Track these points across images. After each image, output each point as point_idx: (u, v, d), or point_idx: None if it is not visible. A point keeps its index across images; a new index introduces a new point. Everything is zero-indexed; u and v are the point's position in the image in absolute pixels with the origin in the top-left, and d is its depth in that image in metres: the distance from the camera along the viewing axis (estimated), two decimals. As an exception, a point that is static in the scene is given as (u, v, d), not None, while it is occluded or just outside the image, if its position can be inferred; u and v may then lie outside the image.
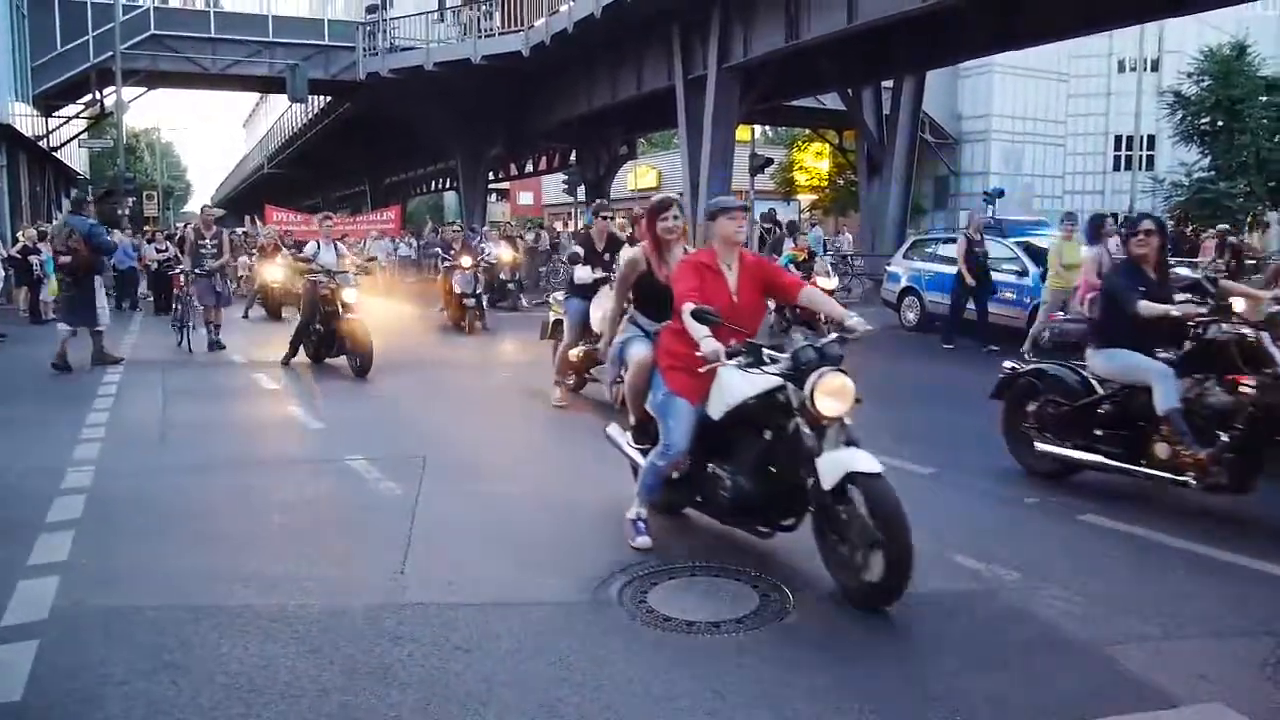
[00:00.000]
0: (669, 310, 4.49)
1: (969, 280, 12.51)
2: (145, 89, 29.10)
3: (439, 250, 15.46)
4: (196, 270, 12.04)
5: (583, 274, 7.93)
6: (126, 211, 26.30)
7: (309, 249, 10.77)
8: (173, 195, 70.01)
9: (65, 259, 10.18)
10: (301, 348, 10.52)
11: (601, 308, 7.45)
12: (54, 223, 12.76)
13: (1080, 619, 3.78)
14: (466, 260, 14.47)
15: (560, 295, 8.99)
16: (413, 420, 8.08)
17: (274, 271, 16.42)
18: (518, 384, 9.73)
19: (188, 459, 6.51)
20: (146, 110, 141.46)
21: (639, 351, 4.79)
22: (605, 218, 8.36)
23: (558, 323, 8.87)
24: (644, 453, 4.70)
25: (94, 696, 3.12)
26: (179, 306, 12.76)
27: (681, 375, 4.31)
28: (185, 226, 24.74)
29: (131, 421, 7.70)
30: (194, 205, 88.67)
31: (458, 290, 14.18)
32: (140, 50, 26.39)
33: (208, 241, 12.25)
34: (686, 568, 4.31)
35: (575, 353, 8.21)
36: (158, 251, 18.93)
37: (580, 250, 8.09)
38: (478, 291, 14.30)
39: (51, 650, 3.43)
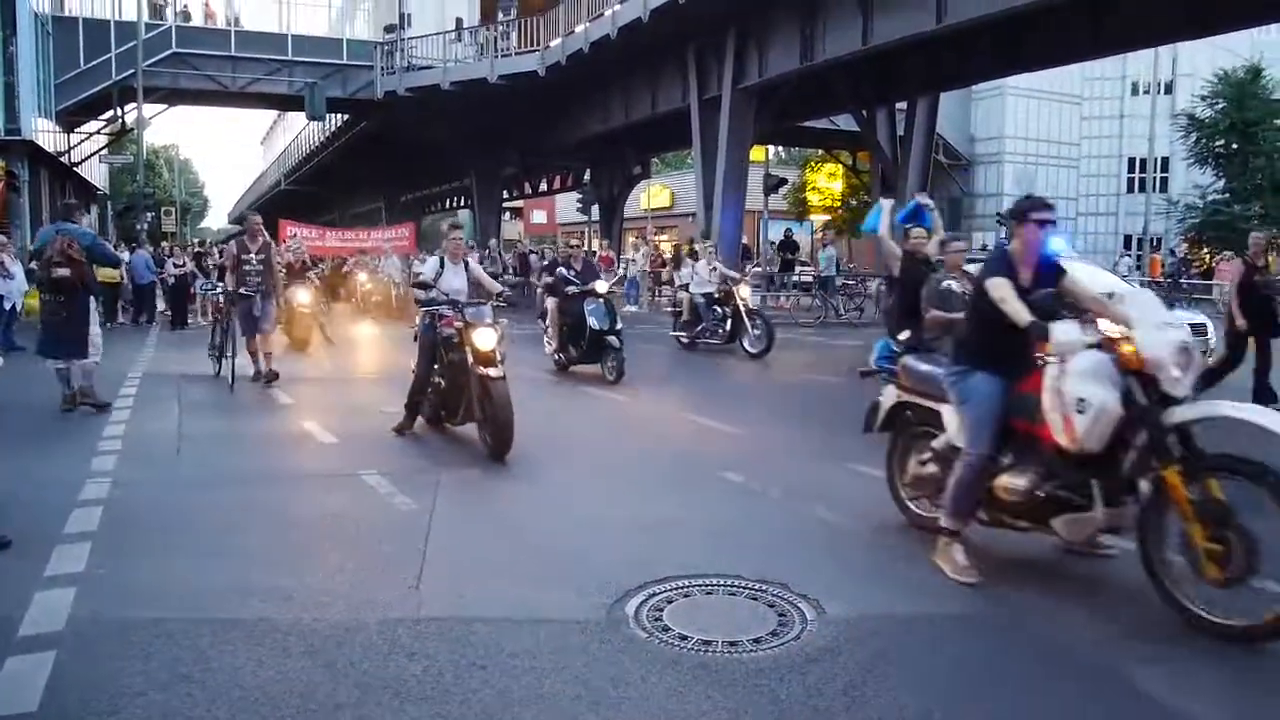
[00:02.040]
0: None
1: (1240, 322, 9.09)
2: (166, 106, 29.47)
3: (562, 271, 11.69)
4: (241, 291, 10.30)
5: (1072, 337, 3.90)
6: (145, 227, 26.57)
7: (429, 268, 7.79)
8: (190, 211, 70.62)
9: (63, 272, 8.30)
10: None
11: (1083, 394, 3.86)
12: (40, 231, 11.23)
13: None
14: (601, 285, 11.29)
15: (928, 367, 4.90)
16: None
17: (303, 294, 14.09)
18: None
19: (203, 473, 6.55)
20: (166, 127, 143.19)
21: None
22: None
23: (905, 408, 5.02)
24: None
25: (110, 708, 3.12)
26: (218, 333, 10.95)
27: None
28: (200, 244, 24.99)
29: (147, 435, 7.73)
30: (210, 222, 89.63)
31: (594, 325, 10.72)
32: (162, 68, 26.74)
33: (253, 257, 10.42)
34: (704, 585, 4.28)
35: (1010, 485, 4.25)
36: (175, 267, 19.12)
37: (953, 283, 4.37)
38: (617, 326, 10.93)
39: (68, 661, 3.44)
